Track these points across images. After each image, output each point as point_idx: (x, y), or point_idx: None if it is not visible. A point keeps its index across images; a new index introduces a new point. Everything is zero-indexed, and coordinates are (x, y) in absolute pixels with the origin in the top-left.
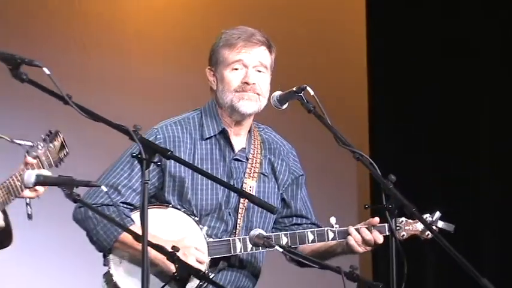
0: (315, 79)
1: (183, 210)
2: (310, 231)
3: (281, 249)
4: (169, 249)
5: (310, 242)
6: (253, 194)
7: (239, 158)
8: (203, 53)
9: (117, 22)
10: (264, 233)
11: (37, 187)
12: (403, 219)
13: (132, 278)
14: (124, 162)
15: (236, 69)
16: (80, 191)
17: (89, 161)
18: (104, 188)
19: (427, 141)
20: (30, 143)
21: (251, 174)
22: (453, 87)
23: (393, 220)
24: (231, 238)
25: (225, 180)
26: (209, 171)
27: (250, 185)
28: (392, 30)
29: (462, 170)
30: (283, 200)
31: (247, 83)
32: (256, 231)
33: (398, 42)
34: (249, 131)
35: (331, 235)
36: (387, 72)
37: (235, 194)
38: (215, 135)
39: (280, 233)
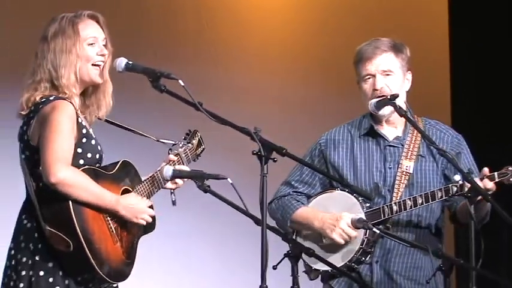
0: None
1: (347, 190)
2: (438, 189)
3: (377, 231)
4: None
5: (439, 198)
6: (410, 172)
7: (393, 144)
8: (314, 66)
9: (241, 39)
10: (364, 217)
11: (176, 180)
12: (511, 167)
13: (311, 244)
14: (297, 166)
15: (368, 79)
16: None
17: (217, 158)
18: (229, 180)
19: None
20: (172, 142)
21: (408, 157)
22: None
23: (472, 206)
24: (380, 206)
25: (381, 163)
26: (367, 159)
27: (407, 165)
28: (474, 21)
29: None
30: (445, 175)
31: (375, 90)
32: (357, 216)
33: (480, 34)
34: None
35: (454, 189)
36: (468, 66)
37: (392, 174)
38: (368, 132)
39: (417, 195)
